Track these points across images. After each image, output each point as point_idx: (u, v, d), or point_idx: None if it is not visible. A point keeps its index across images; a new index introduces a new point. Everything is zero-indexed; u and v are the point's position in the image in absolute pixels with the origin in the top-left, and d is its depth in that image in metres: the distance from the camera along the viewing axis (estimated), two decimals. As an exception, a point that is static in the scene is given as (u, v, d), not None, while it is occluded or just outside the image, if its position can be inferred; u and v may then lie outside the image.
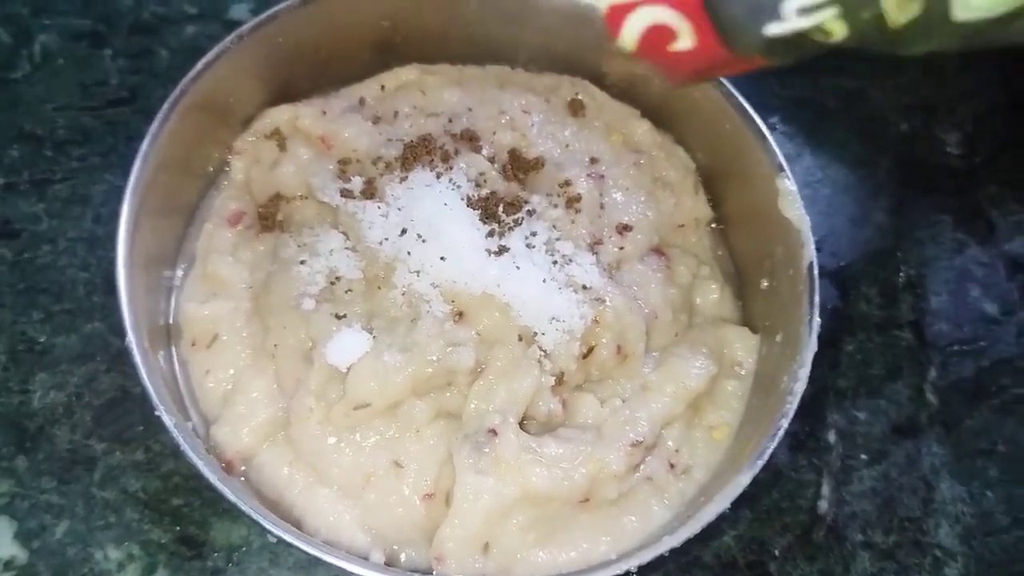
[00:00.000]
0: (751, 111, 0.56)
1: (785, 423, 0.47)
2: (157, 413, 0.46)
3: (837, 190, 0.73)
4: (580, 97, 0.61)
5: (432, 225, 0.51)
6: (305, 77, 0.61)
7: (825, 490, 0.60)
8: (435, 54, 0.63)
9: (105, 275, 0.62)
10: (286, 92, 0.61)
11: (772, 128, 0.67)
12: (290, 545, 0.44)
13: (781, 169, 0.54)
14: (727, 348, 0.55)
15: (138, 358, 0.48)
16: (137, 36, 0.73)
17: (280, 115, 0.59)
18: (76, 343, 0.60)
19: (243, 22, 0.74)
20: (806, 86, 0.78)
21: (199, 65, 0.55)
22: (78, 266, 0.63)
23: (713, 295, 0.59)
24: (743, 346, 0.55)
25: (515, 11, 0.61)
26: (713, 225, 0.63)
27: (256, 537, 0.56)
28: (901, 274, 0.69)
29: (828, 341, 0.65)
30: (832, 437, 0.62)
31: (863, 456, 0.61)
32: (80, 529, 0.55)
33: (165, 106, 0.54)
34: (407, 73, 0.62)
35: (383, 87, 0.61)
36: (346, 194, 0.54)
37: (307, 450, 0.50)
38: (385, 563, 0.48)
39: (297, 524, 0.50)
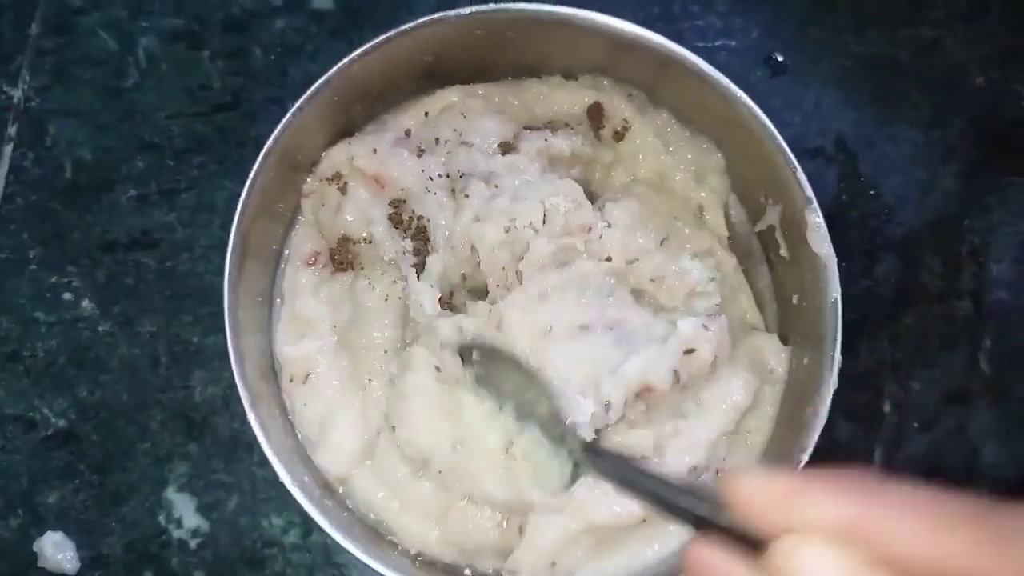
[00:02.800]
0: (782, 142, 0.59)
1: (805, 457, 0.54)
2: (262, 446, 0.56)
3: (906, 155, 0.75)
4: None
5: None
6: (360, 113, 0.66)
7: (877, 456, 0.68)
8: (475, 76, 0.67)
9: (238, 280, 0.71)
10: (344, 128, 0.66)
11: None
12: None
13: (809, 202, 0.58)
14: (760, 355, 0.61)
15: (244, 395, 0.58)
16: (231, 34, 0.77)
17: (339, 155, 0.64)
18: (223, 342, 0.69)
19: (326, 12, 0.78)
20: (882, 40, 0.79)
21: (280, 124, 0.59)
22: (214, 272, 0.71)
23: (745, 304, 0.65)
24: (773, 353, 0.61)
25: (548, 35, 0.63)
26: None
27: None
28: (965, 242, 0.73)
29: (890, 314, 0.71)
30: (887, 407, 0.69)
31: (915, 424, 0.68)
32: (248, 502, 0.68)
33: (256, 165, 0.59)
34: (449, 96, 0.66)
35: (427, 113, 0.66)
36: (414, 265, 0.61)
37: (390, 480, 0.60)
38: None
39: (394, 535, 0.61)
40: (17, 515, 0.67)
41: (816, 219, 0.58)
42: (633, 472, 0.43)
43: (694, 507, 0.33)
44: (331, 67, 0.76)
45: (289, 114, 0.59)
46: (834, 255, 0.58)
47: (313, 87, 0.60)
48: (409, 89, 0.67)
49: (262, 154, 0.59)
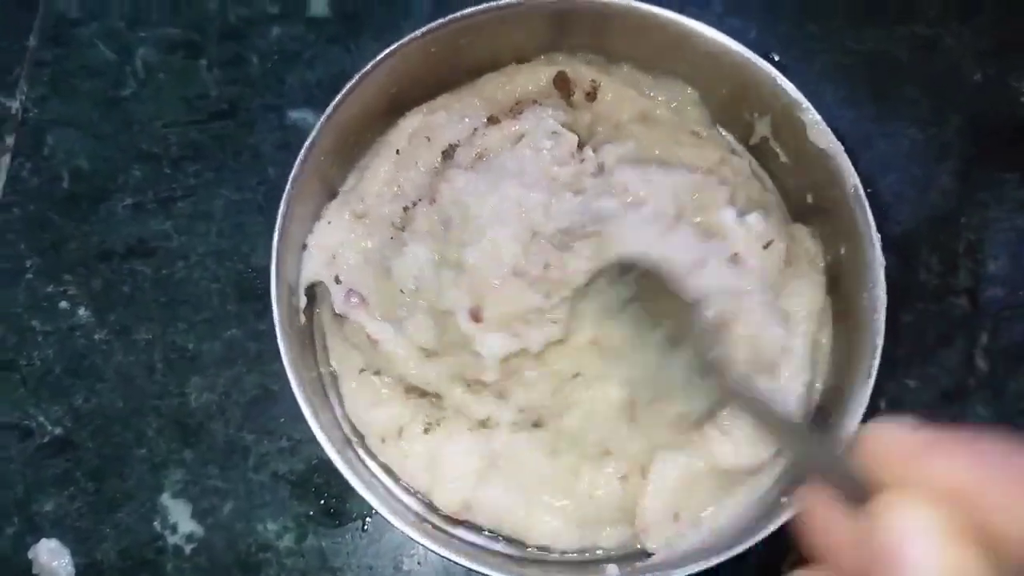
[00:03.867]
0: (751, 55, 0.62)
1: (879, 341, 0.56)
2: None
3: (903, 153, 0.75)
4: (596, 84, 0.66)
5: None
6: (338, 163, 0.65)
7: (876, 454, 0.67)
8: (432, 92, 0.67)
9: (235, 285, 0.71)
10: (329, 187, 0.65)
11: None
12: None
13: (800, 104, 0.60)
14: (803, 246, 0.63)
15: (341, 465, 0.55)
16: (228, 42, 0.78)
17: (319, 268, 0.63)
18: (219, 349, 0.70)
19: (322, 19, 0.79)
20: (879, 38, 0.78)
21: (280, 212, 0.59)
22: (210, 279, 0.72)
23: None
24: (812, 242, 0.63)
25: (498, 29, 0.64)
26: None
27: (385, 506, 0.68)
28: (962, 239, 0.72)
29: (887, 314, 0.70)
30: (883, 405, 0.67)
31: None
32: (243, 507, 0.67)
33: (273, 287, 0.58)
34: (412, 122, 0.65)
35: (398, 151, 0.64)
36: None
37: (523, 473, 0.59)
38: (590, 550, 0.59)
39: (522, 539, 0.60)
40: (12, 523, 0.67)
41: (812, 116, 0.59)
42: (767, 410, 0.47)
43: (815, 451, 0.36)
44: (328, 75, 0.77)
45: (285, 193, 0.59)
46: (841, 146, 0.59)
47: (299, 159, 0.59)
48: (376, 126, 0.66)
49: (273, 288, 0.58)
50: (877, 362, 0.56)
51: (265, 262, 0.70)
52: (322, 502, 0.67)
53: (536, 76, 0.67)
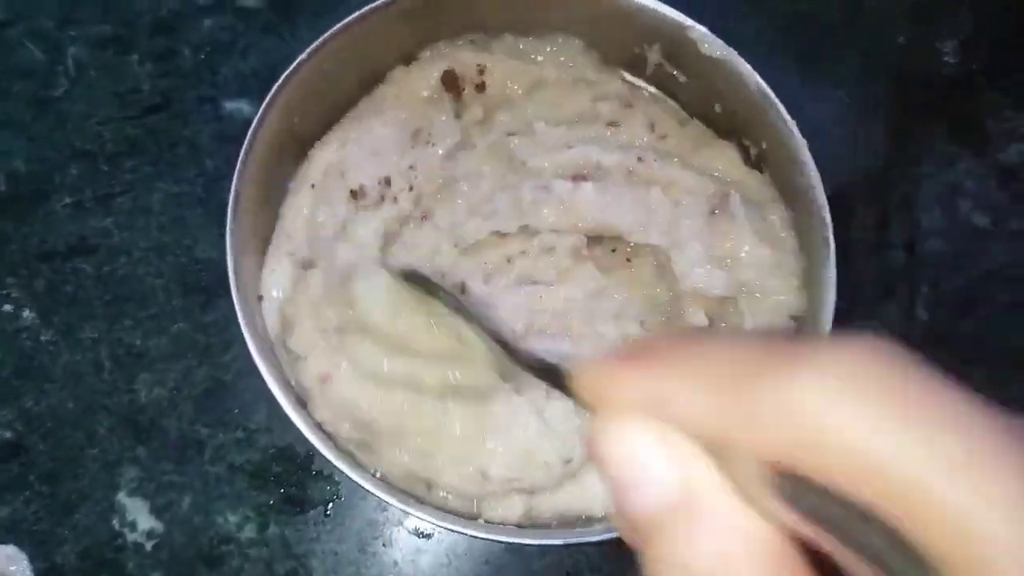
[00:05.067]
0: None
1: (826, 215, 0.61)
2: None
3: (832, 114, 0.76)
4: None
5: None
6: (263, 209, 0.62)
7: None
8: (333, 115, 0.66)
9: (179, 280, 0.71)
10: (262, 236, 0.63)
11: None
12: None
13: (685, 24, 0.60)
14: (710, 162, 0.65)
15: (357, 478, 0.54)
16: (158, 37, 0.77)
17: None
18: (167, 343, 0.70)
19: (253, 9, 0.78)
20: (808, 1, 0.80)
21: (230, 268, 0.56)
22: (154, 274, 0.71)
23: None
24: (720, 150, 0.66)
25: (380, 33, 0.63)
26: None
27: (345, 489, 0.68)
28: (895, 195, 0.74)
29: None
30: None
31: (856, 375, 0.69)
32: (201, 500, 0.67)
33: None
34: (326, 155, 0.64)
35: (313, 185, 0.63)
36: None
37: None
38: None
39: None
40: (-33, 531, 0.66)
41: (699, 31, 0.60)
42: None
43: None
44: (263, 64, 0.77)
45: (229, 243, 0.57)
46: (734, 51, 0.60)
47: (237, 173, 0.57)
48: (289, 159, 0.64)
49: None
50: (831, 235, 0.61)
51: (208, 254, 0.71)
52: (282, 491, 0.67)
53: (425, 78, 0.65)
